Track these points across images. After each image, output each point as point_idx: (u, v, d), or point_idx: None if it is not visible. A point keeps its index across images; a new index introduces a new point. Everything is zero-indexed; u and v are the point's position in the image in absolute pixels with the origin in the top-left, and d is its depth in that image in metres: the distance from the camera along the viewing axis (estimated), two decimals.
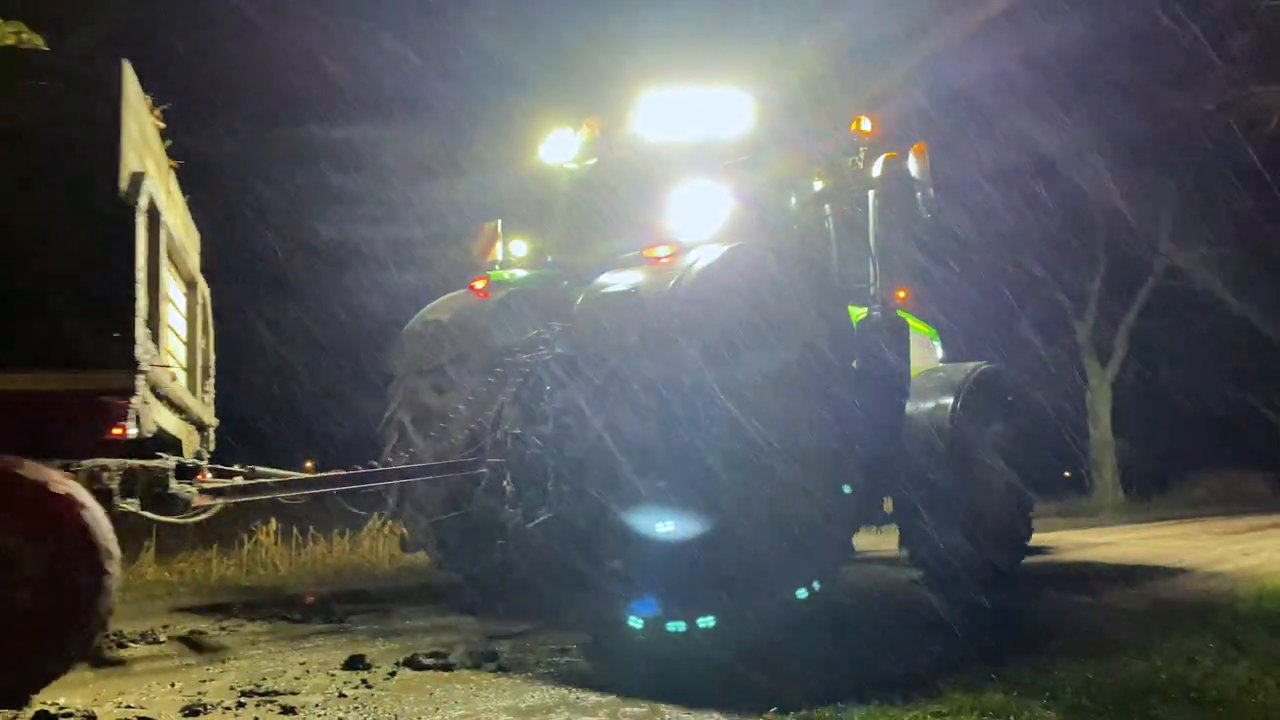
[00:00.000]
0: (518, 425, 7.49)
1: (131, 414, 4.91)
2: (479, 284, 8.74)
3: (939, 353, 10.00)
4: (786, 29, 15.23)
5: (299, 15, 14.66)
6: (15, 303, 4.82)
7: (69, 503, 4.82)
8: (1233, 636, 6.34)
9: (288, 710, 5.04)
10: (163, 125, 6.15)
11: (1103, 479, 23.29)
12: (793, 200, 8.83)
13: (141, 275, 5.00)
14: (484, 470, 7.58)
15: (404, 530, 8.84)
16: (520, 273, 8.91)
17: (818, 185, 8.88)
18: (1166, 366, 24.77)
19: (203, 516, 6.33)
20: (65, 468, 5.01)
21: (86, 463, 5.14)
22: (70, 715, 4.93)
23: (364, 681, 5.65)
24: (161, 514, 5.76)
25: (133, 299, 4.94)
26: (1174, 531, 15.50)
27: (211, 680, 5.72)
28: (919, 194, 8.61)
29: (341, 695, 5.36)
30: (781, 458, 6.91)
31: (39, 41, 5.60)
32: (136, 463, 5.45)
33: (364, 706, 5.14)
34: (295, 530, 11.62)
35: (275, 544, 11.33)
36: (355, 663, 6.00)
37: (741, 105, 7.87)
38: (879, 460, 7.84)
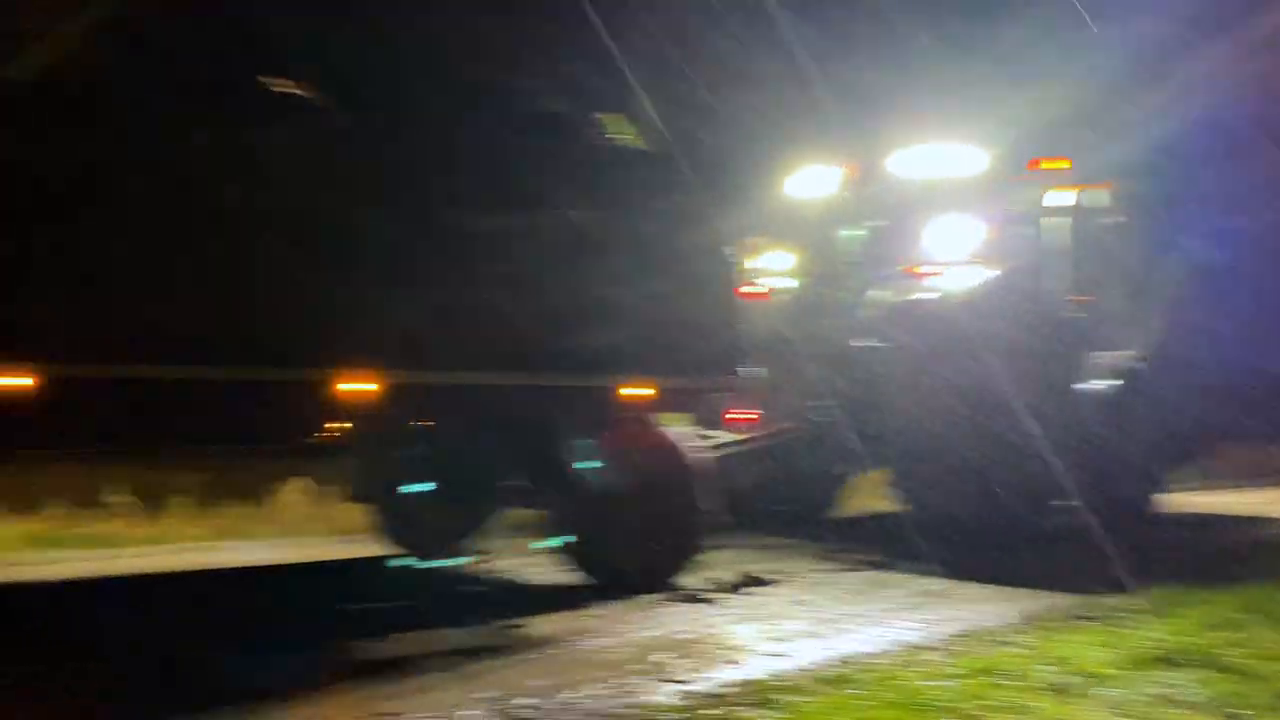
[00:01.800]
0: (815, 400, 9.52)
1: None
2: (754, 288, 10.52)
3: None
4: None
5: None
6: (676, 333, 6.56)
7: (682, 453, 6.92)
8: None
9: None
10: None
11: None
12: (995, 226, 10.49)
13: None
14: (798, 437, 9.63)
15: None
16: (784, 282, 10.75)
17: (1008, 213, 10.61)
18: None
19: None
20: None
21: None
22: None
23: None
24: None
25: (735, 324, 7.16)
26: None
27: None
28: (1092, 223, 10.19)
29: None
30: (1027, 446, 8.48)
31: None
32: None
33: None
34: None
35: None
36: None
37: (977, 156, 9.97)
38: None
